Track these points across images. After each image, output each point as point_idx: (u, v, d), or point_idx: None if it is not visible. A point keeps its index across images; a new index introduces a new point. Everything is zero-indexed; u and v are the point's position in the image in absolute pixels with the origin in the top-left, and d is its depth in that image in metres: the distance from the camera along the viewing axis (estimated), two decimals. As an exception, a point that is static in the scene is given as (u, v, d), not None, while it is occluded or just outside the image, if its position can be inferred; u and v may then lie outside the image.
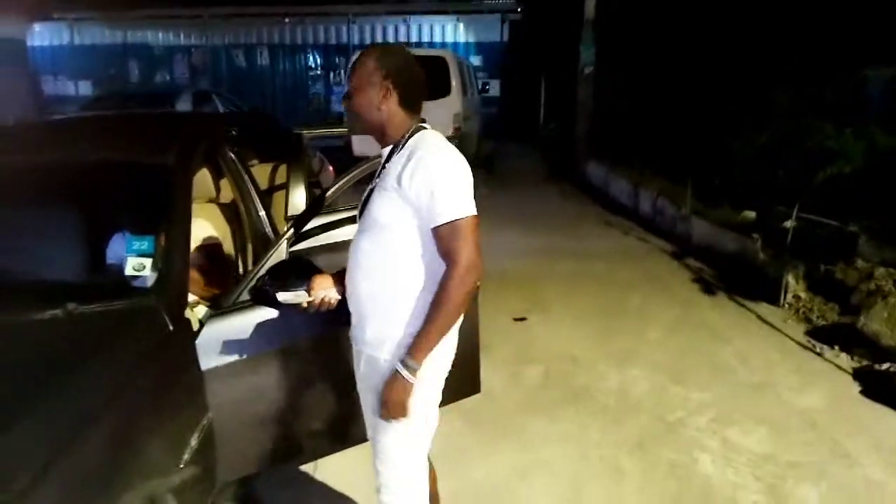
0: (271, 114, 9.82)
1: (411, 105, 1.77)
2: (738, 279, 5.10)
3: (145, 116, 3.52)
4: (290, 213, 3.38)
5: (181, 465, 1.82)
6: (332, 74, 16.91)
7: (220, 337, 2.02)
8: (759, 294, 4.76)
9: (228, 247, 3.07)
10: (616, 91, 10.94)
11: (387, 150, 1.78)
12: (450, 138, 7.27)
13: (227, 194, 3.15)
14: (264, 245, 2.83)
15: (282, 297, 1.79)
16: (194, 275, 2.58)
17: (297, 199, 3.27)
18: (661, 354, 3.97)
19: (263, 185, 3.45)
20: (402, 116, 1.76)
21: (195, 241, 2.69)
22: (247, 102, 11.96)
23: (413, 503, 1.84)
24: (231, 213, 3.15)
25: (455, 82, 9.69)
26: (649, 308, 4.76)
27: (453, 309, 1.64)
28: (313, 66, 17.11)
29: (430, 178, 1.62)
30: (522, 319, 4.46)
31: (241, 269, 3.01)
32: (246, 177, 3.04)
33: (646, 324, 4.46)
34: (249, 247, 3.02)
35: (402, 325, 1.70)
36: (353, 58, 1.88)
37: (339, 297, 1.83)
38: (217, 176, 3.13)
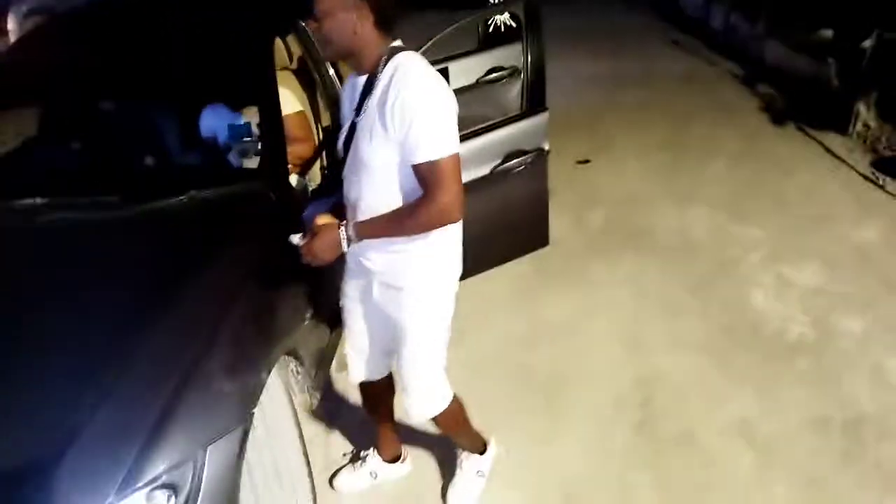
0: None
1: (387, 26, 1.63)
2: (809, 107, 4.98)
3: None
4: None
5: (306, 322, 2.20)
6: None
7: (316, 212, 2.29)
8: (828, 123, 4.69)
9: (308, 113, 3.24)
10: None
11: (362, 78, 1.68)
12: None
13: (298, 58, 3.26)
14: (338, 110, 2.99)
15: (292, 238, 1.78)
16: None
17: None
18: (722, 190, 4.09)
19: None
20: (378, 39, 1.63)
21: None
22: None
23: (448, 401, 2.01)
24: (305, 78, 3.28)
25: None
26: (714, 140, 4.78)
27: (407, 230, 1.66)
28: None
29: (408, 113, 1.54)
30: (586, 162, 4.57)
31: (320, 135, 3.22)
32: (312, 40, 3.12)
33: (709, 158, 4.52)
34: (326, 112, 3.20)
35: (414, 255, 1.74)
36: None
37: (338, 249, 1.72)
38: (286, 39, 3.23)
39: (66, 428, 1.47)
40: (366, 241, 1.72)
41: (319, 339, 2.36)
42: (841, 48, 4.89)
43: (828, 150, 4.46)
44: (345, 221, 1.71)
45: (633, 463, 2.35)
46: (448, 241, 1.79)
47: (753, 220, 3.73)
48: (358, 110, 1.68)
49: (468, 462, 2.26)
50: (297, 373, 2.14)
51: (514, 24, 3.25)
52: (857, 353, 2.77)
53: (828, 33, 5.38)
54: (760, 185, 4.12)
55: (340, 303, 2.04)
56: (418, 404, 1.98)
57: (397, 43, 1.68)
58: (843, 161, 4.30)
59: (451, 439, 2.25)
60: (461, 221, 1.72)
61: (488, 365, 2.80)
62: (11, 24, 6.14)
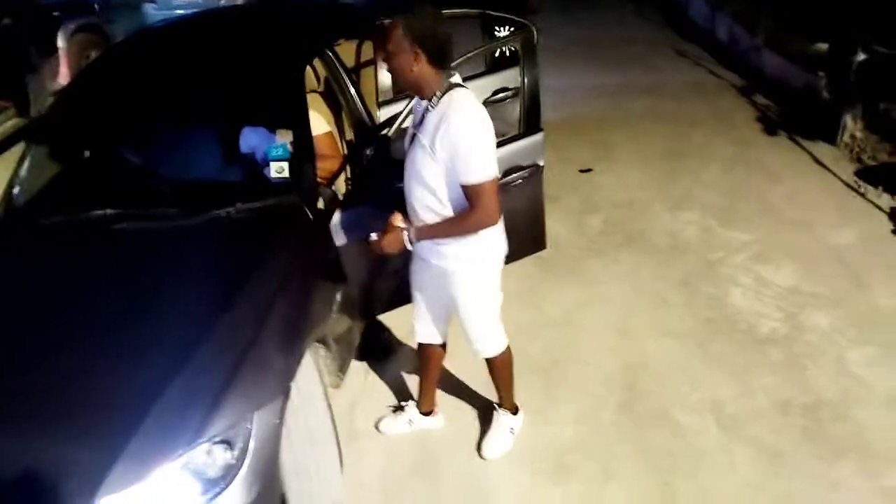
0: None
1: (440, 62, 2.03)
2: (801, 117, 5.28)
3: (255, 17, 3.95)
4: (379, 91, 3.87)
5: (333, 315, 2.59)
6: None
7: (344, 221, 2.69)
8: (818, 133, 4.99)
9: (334, 132, 3.64)
10: None
11: (424, 102, 2.10)
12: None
13: (324, 81, 3.66)
14: (361, 128, 3.37)
15: (371, 235, 2.30)
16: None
17: (384, 77, 3.76)
18: (713, 195, 4.43)
19: (350, 62, 3.90)
20: (433, 74, 2.03)
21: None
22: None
23: (502, 347, 2.53)
24: (331, 100, 3.68)
25: None
26: (710, 148, 5.11)
27: (457, 233, 2.14)
28: None
29: (456, 145, 1.97)
30: (589, 170, 4.92)
31: (345, 150, 3.61)
32: (339, 66, 3.50)
33: (704, 165, 4.85)
34: (349, 131, 3.59)
35: (460, 243, 2.19)
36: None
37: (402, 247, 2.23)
38: (314, 66, 3.62)
39: (149, 391, 1.87)
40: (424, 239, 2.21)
41: (344, 330, 2.75)
42: (831, 61, 5.18)
43: (815, 160, 4.77)
44: (408, 225, 2.19)
45: (616, 436, 2.71)
46: (487, 234, 2.20)
47: (740, 225, 4.06)
48: (418, 126, 2.12)
49: (504, 418, 2.69)
50: (326, 357, 2.54)
51: (517, 51, 3.59)
52: (823, 345, 3.10)
53: (823, 46, 5.68)
54: (749, 191, 4.44)
55: (410, 279, 2.51)
56: (481, 346, 2.48)
57: (455, 79, 2.09)
58: (829, 170, 4.61)
59: (497, 388, 2.67)
60: (501, 218, 2.21)
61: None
62: (61, 42, 6.66)
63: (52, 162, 3.01)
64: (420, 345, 2.66)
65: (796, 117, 5.35)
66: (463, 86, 2.10)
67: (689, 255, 3.83)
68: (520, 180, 2.98)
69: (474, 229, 2.13)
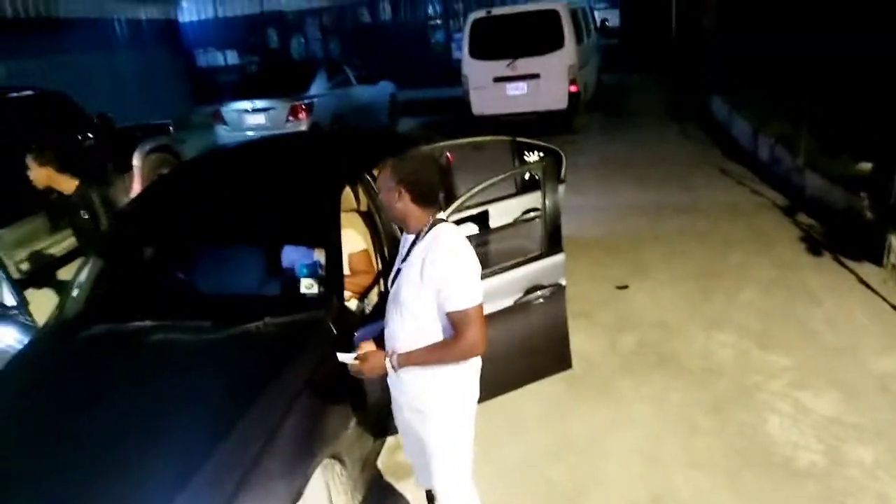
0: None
1: (425, 201, 2.14)
2: (845, 238, 5.20)
3: (303, 143, 4.31)
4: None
5: (349, 429, 2.62)
6: (451, 22, 17.33)
7: (360, 338, 2.78)
8: (863, 254, 4.89)
9: (370, 249, 3.81)
10: (743, 18, 10.57)
11: (410, 237, 2.23)
12: (571, 97, 8.01)
13: (365, 202, 3.89)
14: (394, 245, 3.54)
15: (340, 356, 2.32)
16: (347, 277, 3.34)
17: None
18: (751, 318, 4.33)
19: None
20: (418, 212, 2.14)
21: (346, 251, 3.43)
22: (374, 64, 12.76)
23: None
24: (369, 219, 3.89)
25: (568, 33, 9.78)
26: (749, 269, 5.05)
27: (442, 360, 2.13)
28: (433, 14, 17.62)
29: (443, 274, 2.05)
30: (624, 287, 4.92)
31: (379, 266, 3.77)
32: (376, 188, 3.73)
33: (742, 286, 4.78)
34: (385, 248, 3.76)
35: (437, 378, 2.19)
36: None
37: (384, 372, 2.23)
38: (355, 187, 3.87)
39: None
40: (400, 371, 2.20)
41: (362, 445, 2.77)
42: (875, 181, 5.15)
43: (861, 281, 4.64)
44: (391, 351, 2.20)
45: (638, 575, 2.57)
46: (464, 376, 2.23)
47: (778, 348, 3.94)
48: (403, 260, 2.22)
49: None
50: (341, 475, 2.55)
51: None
52: (865, 481, 2.91)
53: (866, 166, 5.66)
54: (790, 313, 4.33)
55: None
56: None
57: (440, 215, 2.20)
58: (875, 291, 4.47)
59: None
60: (478, 364, 2.23)
61: (513, 475, 3.10)
62: (136, 161, 7.29)
63: (103, 274, 3.24)
64: (427, 492, 2.57)
65: (840, 237, 5.27)
66: (447, 222, 2.19)
67: (723, 380, 3.73)
68: (541, 299, 3.03)
69: (459, 357, 2.13)
